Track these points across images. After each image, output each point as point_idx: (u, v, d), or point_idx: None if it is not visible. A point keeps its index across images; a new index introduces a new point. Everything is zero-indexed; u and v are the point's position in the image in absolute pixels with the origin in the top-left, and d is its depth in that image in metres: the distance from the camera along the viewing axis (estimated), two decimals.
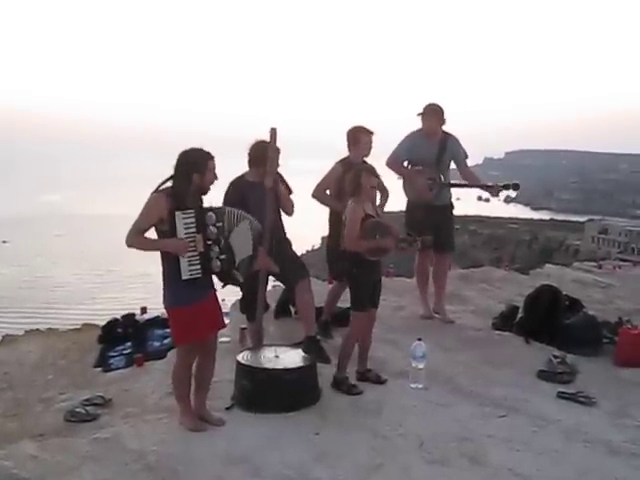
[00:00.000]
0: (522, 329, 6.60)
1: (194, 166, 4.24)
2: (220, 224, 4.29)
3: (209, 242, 4.24)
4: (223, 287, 4.51)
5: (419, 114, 6.75)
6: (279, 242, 5.62)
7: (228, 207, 4.49)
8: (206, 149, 4.32)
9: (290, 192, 5.70)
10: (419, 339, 5.32)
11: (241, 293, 5.91)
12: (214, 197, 4.56)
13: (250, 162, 5.61)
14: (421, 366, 5.28)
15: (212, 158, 4.31)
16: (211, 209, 4.31)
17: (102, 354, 6.70)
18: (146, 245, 4.26)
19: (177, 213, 4.15)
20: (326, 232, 6.39)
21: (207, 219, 4.24)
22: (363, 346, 5.44)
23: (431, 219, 6.70)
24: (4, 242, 79.84)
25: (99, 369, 6.43)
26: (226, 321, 5.89)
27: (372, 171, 5.37)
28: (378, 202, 5.87)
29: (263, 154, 5.42)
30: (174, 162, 4.27)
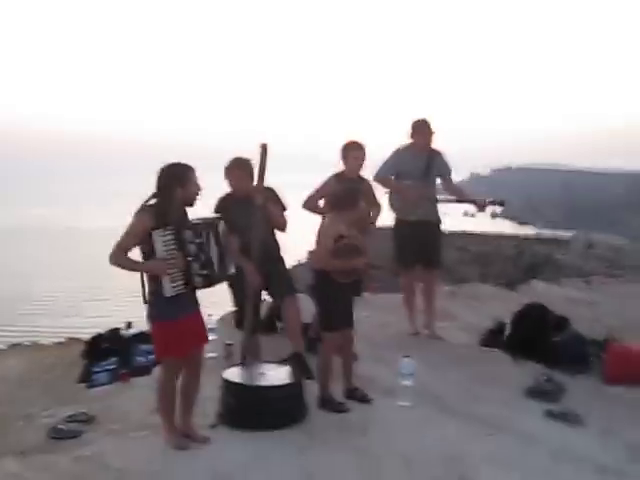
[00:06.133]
0: (510, 346, 6.58)
1: (175, 180, 4.21)
2: (199, 240, 4.27)
3: (190, 259, 4.21)
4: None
5: (412, 128, 6.74)
6: (271, 259, 5.60)
7: (203, 219, 4.44)
8: (184, 162, 4.31)
9: (284, 209, 5.69)
10: (406, 356, 5.28)
11: (235, 308, 5.89)
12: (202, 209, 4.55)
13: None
14: (409, 383, 5.23)
15: (192, 170, 4.29)
16: (188, 226, 4.28)
17: (86, 369, 6.61)
18: (128, 266, 4.22)
19: (154, 232, 4.11)
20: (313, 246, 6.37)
21: (186, 237, 4.21)
22: (345, 365, 5.37)
23: (419, 235, 6.68)
24: None
25: (83, 385, 6.35)
26: (212, 337, 5.85)
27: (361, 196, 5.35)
28: (370, 216, 5.90)
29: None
30: (155, 179, 4.25)
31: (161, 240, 4.12)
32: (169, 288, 4.17)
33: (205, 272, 4.29)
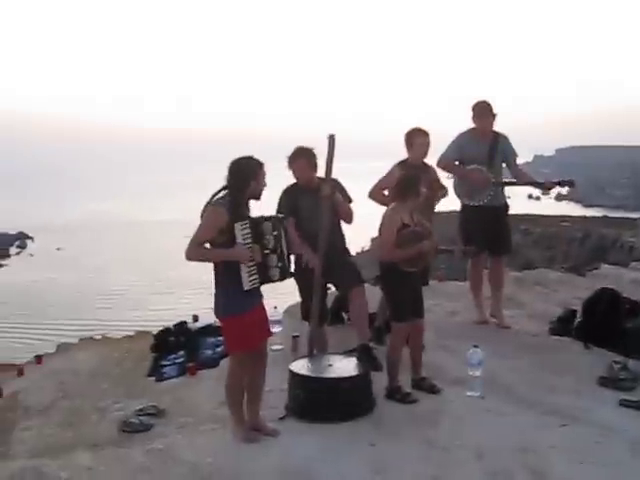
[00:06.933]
0: (581, 334, 6.41)
1: (248, 175, 4.25)
2: (276, 232, 4.28)
3: (266, 251, 4.23)
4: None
5: (474, 111, 6.63)
6: (336, 250, 5.57)
7: (277, 214, 4.47)
8: (255, 157, 4.32)
9: (350, 200, 5.64)
10: (475, 346, 5.19)
11: (302, 300, 5.88)
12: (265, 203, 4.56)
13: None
14: (478, 374, 5.15)
15: (263, 166, 4.31)
16: (267, 218, 4.30)
17: (155, 363, 6.74)
18: (209, 255, 4.26)
19: (236, 224, 4.14)
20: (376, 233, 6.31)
21: (264, 229, 4.24)
22: (414, 355, 5.31)
23: (486, 221, 6.55)
24: (58, 249, 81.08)
25: (152, 378, 6.45)
26: (278, 329, 5.86)
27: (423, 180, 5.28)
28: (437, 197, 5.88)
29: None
30: (227, 173, 4.26)
31: (241, 233, 4.15)
32: (247, 281, 4.19)
33: (281, 264, 4.32)
